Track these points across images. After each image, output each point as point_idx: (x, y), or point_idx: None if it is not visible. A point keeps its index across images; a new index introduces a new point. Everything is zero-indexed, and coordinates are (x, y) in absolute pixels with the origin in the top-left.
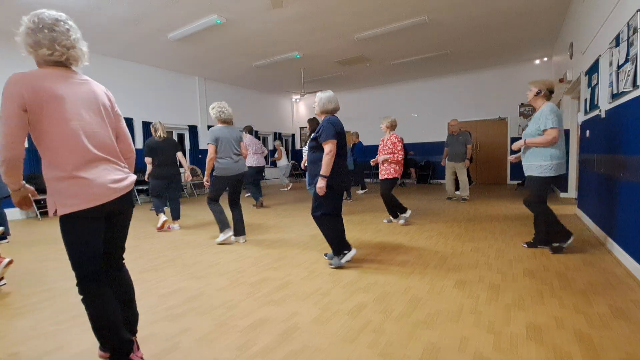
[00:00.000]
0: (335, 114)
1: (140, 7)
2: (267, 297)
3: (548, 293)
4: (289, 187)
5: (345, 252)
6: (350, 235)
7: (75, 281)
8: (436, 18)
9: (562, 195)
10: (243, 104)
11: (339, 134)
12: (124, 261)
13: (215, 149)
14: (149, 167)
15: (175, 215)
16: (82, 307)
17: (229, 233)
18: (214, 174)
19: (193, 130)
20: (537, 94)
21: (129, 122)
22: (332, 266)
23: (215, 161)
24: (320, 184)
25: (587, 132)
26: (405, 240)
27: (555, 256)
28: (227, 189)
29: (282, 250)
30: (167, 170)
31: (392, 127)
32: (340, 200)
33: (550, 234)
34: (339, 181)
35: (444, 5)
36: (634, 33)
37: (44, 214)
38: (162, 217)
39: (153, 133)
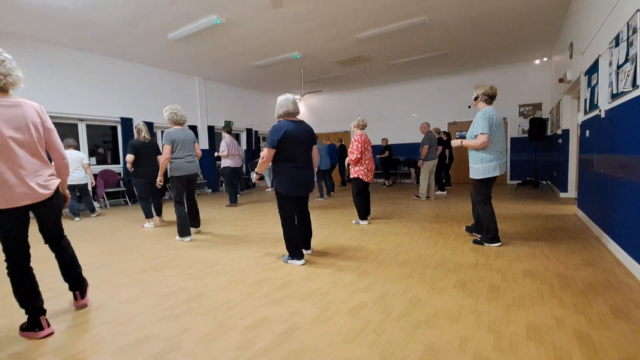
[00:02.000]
0: (292, 118)
1: (140, 7)
2: (267, 297)
3: (548, 293)
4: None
5: (295, 258)
6: (349, 235)
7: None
8: (436, 18)
9: (562, 195)
10: (243, 104)
11: (284, 141)
12: (62, 239)
13: (170, 150)
14: (129, 166)
15: (158, 212)
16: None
17: (187, 239)
18: (169, 174)
19: (193, 130)
20: (475, 99)
21: (129, 122)
22: (283, 260)
23: (170, 162)
24: (254, 177)
25: (587, 132)
26: (405, 240)
27: (555, 256)
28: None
29: (282, 250)
30: (148, 170)
31: (359, 126)
32: (293, 205)
33: (486, 228)
34: (287, 188)
35: (444, 5)
36: (633, 33)
37: None
38: (151, 224)
39: (137, 134)
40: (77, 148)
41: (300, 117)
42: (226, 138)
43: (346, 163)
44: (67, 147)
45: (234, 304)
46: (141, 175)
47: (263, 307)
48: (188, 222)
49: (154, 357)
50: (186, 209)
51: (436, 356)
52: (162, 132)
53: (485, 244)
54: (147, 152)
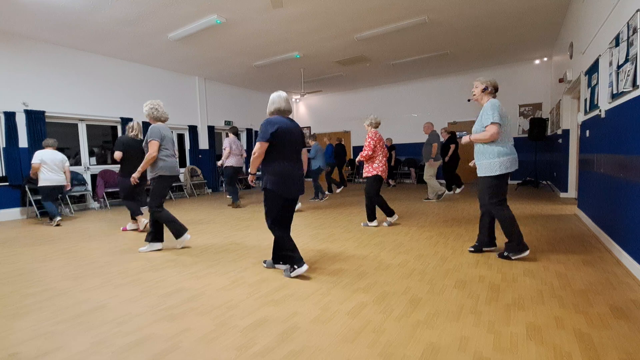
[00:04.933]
0: (285, 115)
1: (140, 7)
2: (267, 297)
3: (548, 293)
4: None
5: (295, 266)
6: (350, 235)
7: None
8: (436, 18)
9: (562, 195)
10: (243, 104)
11: (277, 136)
12: None
13: (158, 147)
14: (117, 157)
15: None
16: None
17: (188, 237)
18: (158, 174)
19: (193, 130)
20: (484, 90)
21: (129, 122)
22: (285, 275)
23: (160, 160)
24: (250, 178)
25: (587, 132)
26: (405, 240)
27: (555, 256)
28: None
29: None
30: (135, 169)
31: (373, 125)
32: (286, 209)
33: (509, 234)
34: (282, 187)
35: (444, 5)
36: (633, 33)
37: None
38: (133, 225)
39: (128, 131)
40: (57, 148)
41: (300, 117)
42: (230, 137)
43: (357, 160)
44: (46, 146)
45: (234, 304)
46: (128, 173)
47: (263, 307)
48: (177, 220)
49: (154, 357)
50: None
51: (436, 356)
52: None
53: (514, 257)
54: (135, 149)
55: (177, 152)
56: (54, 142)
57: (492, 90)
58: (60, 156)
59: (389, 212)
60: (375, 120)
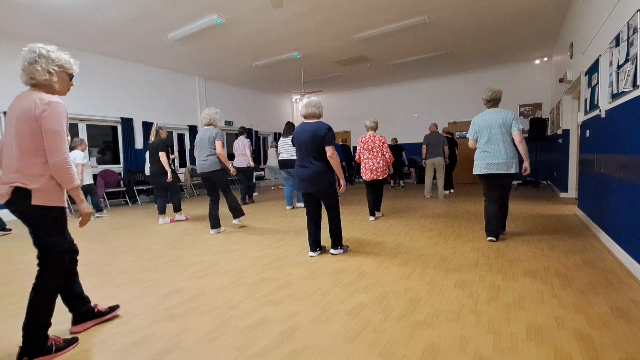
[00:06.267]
0: (307, 120)
1: (140, 7)
2: (267, 297)
3: (548, 293)
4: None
5: (310, 249)
6: (350, 235)
7: None
8: (436, 18)
9: (562, 195)
10: (243, 104)
11: (294, 141)
12: (39, 267)
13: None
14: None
15: (175, 208)
16: None
17: (212, 232)
18: None
19: (193, 130)
20: (485, 104)
21: (129, 122)
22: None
23: None
24: None
25: (587, 132)
26: (405, 240)
27: (555, 256)
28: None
29: (282, 250)
30: (152, 169)
31: (368, 128)
32: (307, 202)
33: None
34: (297, 184)
35: (444, 5)
36: (634, 33)
37: None
38: (163, 220)
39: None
40: (84, 148)
41: (300, 117)
42: (237, 139)
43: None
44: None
45: (234, 304)
46: (152, 173)
47: (263, 307)
48: (212, 216)
49: (154, 357)
50: (211, 206)
51: (436, 356)
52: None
53: (488, 238)
54: (150, 152)
55: (217, 149)
56: (74, 141)
57: (485, 102)
58: (72, 155)
59: (371, 212)
60: (365, 124)
